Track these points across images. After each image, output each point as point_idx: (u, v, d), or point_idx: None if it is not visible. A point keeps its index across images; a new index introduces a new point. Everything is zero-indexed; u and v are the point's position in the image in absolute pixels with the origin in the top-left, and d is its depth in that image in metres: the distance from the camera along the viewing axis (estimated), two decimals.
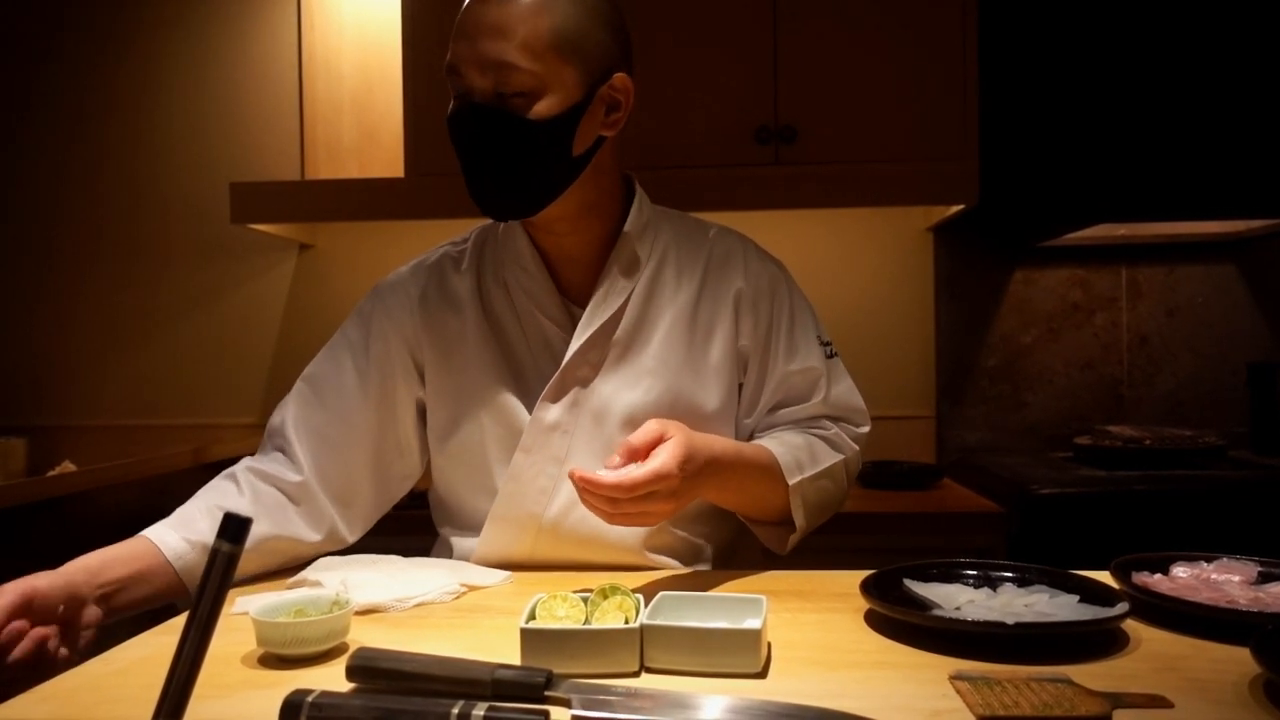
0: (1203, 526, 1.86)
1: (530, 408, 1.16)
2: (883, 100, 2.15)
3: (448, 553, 1.24)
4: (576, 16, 1.06)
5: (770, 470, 1.12)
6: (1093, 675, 0.74)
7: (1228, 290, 2.46)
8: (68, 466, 2.21)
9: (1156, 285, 2.47)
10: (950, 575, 0.99)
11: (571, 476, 0.95)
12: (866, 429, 1.28)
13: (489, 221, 1.24)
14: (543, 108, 1.05)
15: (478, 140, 1.07)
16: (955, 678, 0.74)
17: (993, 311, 2.50)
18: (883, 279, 2.51)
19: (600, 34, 1.08)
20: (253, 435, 2.44)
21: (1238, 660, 0.76)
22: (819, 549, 1.27)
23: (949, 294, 2.50)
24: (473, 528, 1.20)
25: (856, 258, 2.51)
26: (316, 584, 1.02)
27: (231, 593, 1.01)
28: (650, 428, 1.01)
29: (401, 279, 1.26)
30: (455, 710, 0.65)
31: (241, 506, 1.10)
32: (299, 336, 2.59)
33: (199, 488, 1.14)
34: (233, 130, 2.59)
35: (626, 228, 1.18)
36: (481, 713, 0.65)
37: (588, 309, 1.17)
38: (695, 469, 1.00)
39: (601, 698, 0.69)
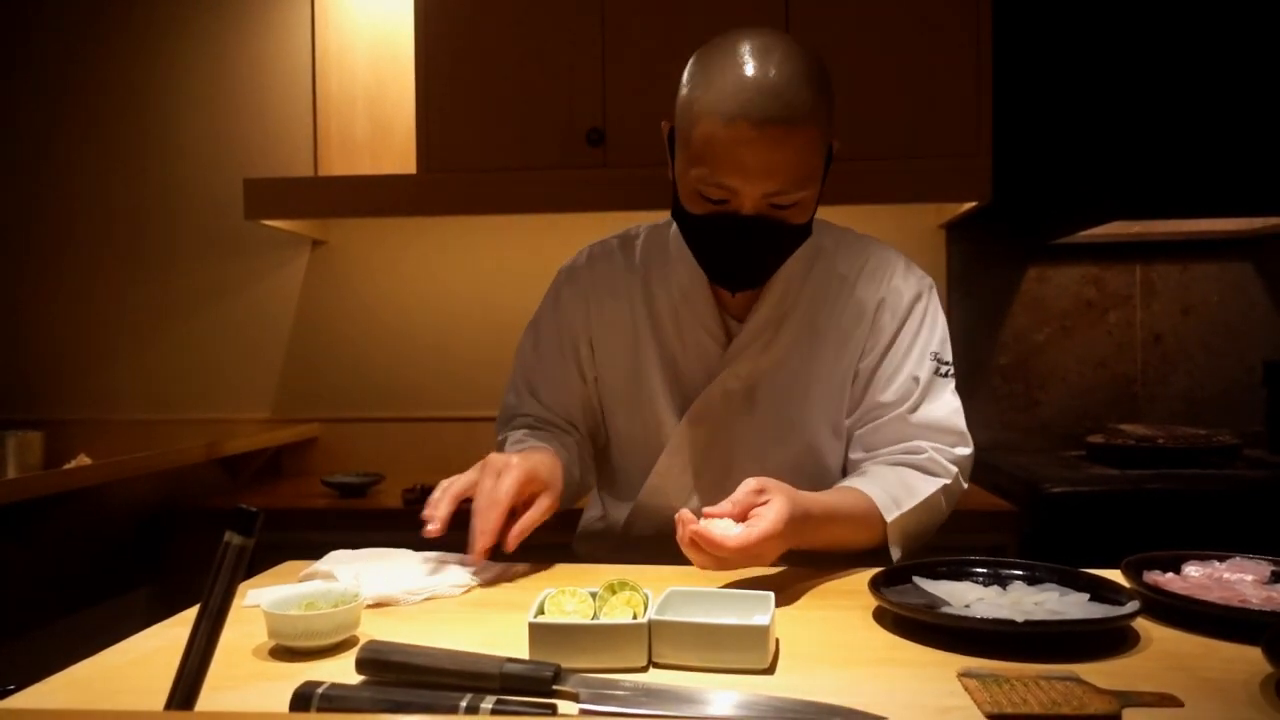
0: (1216, 526, 1.85)
1: (682, 407, 1.25)
2: (895, 97, 2.14)
3: (599, 510, 1.37)
4: (827, 117, 1.08)
5: (865, 515, 1.12)
6: (1102, 674, 0.74)
7: (1243, 288, 2.44)
8: (83, 460, 2.23)
9: (1171, 283, 2.45)
10: (960, 573, 0.99)
11: (683, 523, 0.96)
12: (965, 451, 1.23)
13: (651, 223, 1.33)
14: (808, 213, 1.13)
15: (744, 245, 1.12)
16: (964, 675, 0.74)
17: (1005, 309, 2.49)
18: None
19: (833, 118, 1.11)
20: (266, 430, 2.46)
21: (1249, 660, 0.76)
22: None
23: (961, 291, 2.49)
24: (628, 499, 1.31)
25: None
26: (328, 576, 1.02)
27: (243, 585, 1.02)
28: (751, 485, 1.01)
29: (578, 266, 1.34)
30: (464, 703, 0.65)
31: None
32: (312, 332, 2.61)
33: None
34: (246, 126, 2.60)
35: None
36: (490, 705, 0.65)
37: (742, 333, 1.24)
38: (794, 529, 1.00)
39: (609, 692, 0.70)
